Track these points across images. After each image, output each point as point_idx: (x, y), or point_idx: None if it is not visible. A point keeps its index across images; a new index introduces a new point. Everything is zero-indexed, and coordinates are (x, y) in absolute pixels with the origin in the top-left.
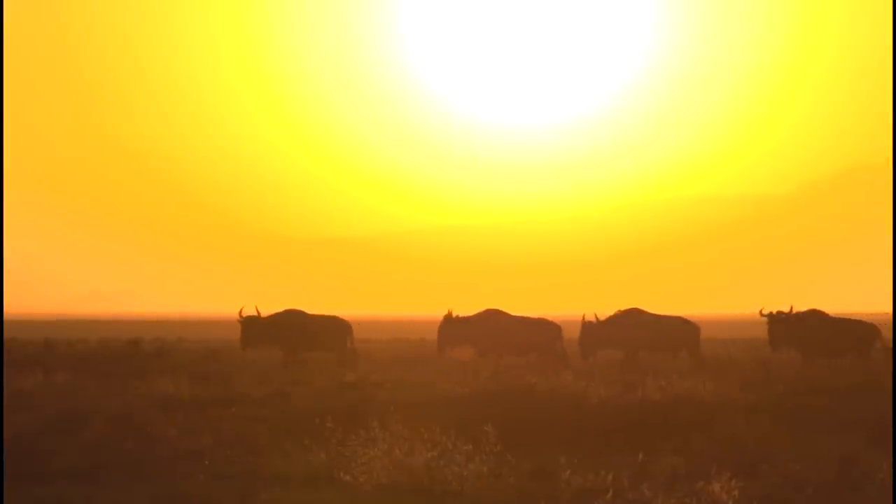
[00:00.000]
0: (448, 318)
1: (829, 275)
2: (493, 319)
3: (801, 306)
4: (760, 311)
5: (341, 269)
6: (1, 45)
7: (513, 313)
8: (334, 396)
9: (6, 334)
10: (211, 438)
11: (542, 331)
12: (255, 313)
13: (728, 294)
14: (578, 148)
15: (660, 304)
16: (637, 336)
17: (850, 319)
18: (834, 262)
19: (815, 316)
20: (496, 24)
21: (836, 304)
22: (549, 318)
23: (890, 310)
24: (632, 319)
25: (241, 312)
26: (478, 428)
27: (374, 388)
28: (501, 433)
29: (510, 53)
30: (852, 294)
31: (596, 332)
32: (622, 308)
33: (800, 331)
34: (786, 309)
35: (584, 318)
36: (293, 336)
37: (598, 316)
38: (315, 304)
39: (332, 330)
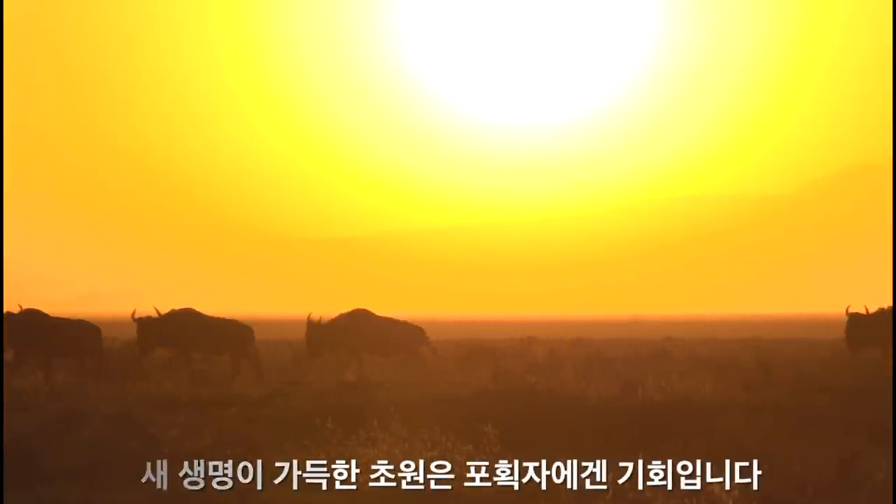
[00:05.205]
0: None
1: (829, 275)
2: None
3: (803, 306)
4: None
5: (341, 269)
6: (1, 45)
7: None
8: (334, 397)
9: None
10: (210, 438)
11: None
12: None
13: (728, 294)
14: (578, 147)
15: (659, 304)
16: (187, 336)
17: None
18: (834, 262)
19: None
20: (496, 23)
21: (836, 304)
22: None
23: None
24: (183, 319)
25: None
26: (478, 428)
27: (373, 388)
28: (501, 433)
29: (510, 53)
30: (852, 294)
31: (151, 329)
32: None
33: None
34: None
35: (133, 315)
36: None
37: (155, 311)
38: (315, 305)
39: None
